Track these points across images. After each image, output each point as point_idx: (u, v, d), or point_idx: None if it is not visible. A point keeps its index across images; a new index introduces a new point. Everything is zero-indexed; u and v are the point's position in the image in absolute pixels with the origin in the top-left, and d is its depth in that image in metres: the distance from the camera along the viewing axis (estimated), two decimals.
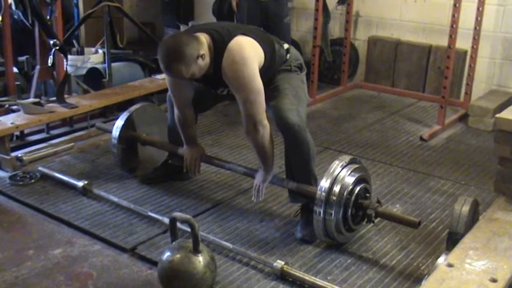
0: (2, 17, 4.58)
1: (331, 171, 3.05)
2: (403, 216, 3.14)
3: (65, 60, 4.62)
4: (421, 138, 4.85)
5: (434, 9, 5.77)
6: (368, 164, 4.10)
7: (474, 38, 5.29)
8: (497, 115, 3.13)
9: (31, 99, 4.47)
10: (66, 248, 3.11)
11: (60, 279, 2.85)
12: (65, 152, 4.32)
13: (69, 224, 3.36)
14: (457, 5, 4.78)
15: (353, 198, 3.04)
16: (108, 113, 4.96)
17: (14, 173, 3.93)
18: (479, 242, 2.66)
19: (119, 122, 3.84)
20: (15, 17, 4.80)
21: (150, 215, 3.41)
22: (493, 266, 2.46)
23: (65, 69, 4.65)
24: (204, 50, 3.01)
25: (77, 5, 6.32)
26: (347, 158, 3.15)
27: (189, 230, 2.66)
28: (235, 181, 3.92)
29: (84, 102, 4.61)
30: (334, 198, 2.99)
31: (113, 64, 5.37)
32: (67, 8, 5.80)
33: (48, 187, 3.78)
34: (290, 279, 2.86)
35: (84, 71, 5.50)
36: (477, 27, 5.26)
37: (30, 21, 4.59)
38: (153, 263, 2.94)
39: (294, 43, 5.66)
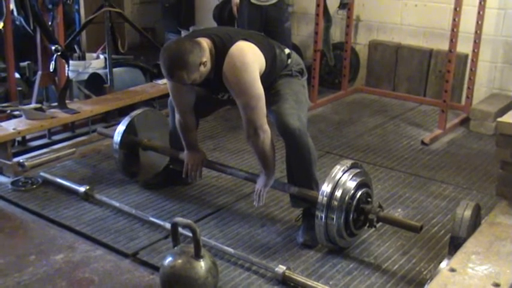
0: (4, 23, 4.59)
1: (332, 175, 3.05)
2: (405, 221, 3.13)
3: (66, 65, 4.63)
4: (423, 143, 4.84)
5: (435, 13, 5.77)
6: (369, 169, 4.10)
7: (475, 41, 5.29)
8: (499, 119, 3.13)
9: (33, 105, 4.48)
10: (67, 253, 3.11)
11: (62, 285, 2.85)
12: (66, 157, 4.32)
13: (70, 229, 3.36)
14: (458, 9, 4.79)
15: (355, 202, 3.04)
16: (110, 118, 4.96)
17: (16, 178, 3.93)
18: (482, 246, 2.66)
19: (120, 127, 3.84)
20: (17, 22, 4.80)
21: (151, 220, 3.41)
22: (496, 271, 2.45)
23: (66, 74, 4.65)
24: (206, 56, 3.02)
25: (78, 11, 6.32)
26: (348, 162, 3.15)
27: (190, 235, 2.66)
28: (236, 186, 3.92)
29: (86, 107, 4.62)
30: (336, 202, 2.99)
31: (114, 69, 5.37)
32: (68, 13, 5.80)
33: (50, 192, 3.78)
34: (292, 284, 2.86)
35: (85, 77, 5.51)
36: (478, 31, 5.26)
37: (31, 27, 4.59)
38: (155, 268, 2.94)
39: (294, 48, 5.67)
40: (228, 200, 3.76)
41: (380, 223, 3.14)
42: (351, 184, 3.04)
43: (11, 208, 3.61)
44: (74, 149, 4.41)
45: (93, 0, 6.18)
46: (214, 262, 2.71)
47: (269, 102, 3.15)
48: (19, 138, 4.35)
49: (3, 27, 4.61)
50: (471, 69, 5.41)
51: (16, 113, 4.49)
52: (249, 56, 3.03)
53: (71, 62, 4.93)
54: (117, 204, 3.60)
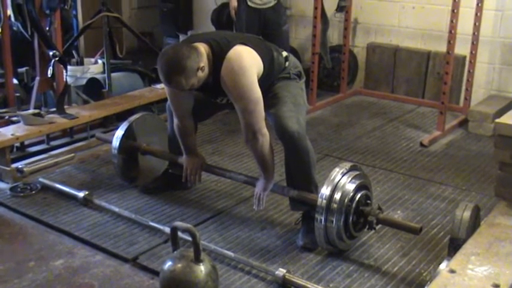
0: (2, 29, 4.59)
1: (331, 178, 3.05)
2: (404, 223, 3.14)
3: (64, 71, 4.64)
4: (421, 144, 4.85)
5: (433, 15, 5.78)
6: (368, 171, 4.10)
7: (473, 43, 5.30)
8: (497, 120, 3.13)
9: (31, 111, 4.47)
10: (67, 259, 3.10)
11: None
12: (65, 162, 4.31)
13: (70, 235, 3.35)
14: (455, 10, 4.79)
15: (354, 205, 3.04)
16: (108, 123, 4.97)
17: (15, 184, 3.92)
18: (481, 247, 2.66)
19: (119, 132, 3.84)
20: (15, 28, 4.80)
21: (151, 225, 3.40)
22: (495, 272, 2.46)
23: (64, 80, 4.66)
24: (204, 61, 3.02)
25: (76, 16, 6.34)
26: (347, 165, 3.15)
27: (190, 239, 2.66)
28: (235, 190, 3.91)
29: (84, 112, 4.62)
30: (335, 205, 2.98)
31: (113, 74, 5.38)
32: (66, 18, 5.81)
33: (49, 198, 3.78)
34: (292, 287, 2.86)
35: (83, 82, 5.51)
36: (475, 33, 5.27)
37: (29, 33, 4.60)
38: (155, 273, 2.93)
39: (292, 51, 5.67)
40: (227, 203, 3.76)
41: (379, 225, 3.14)
42: (350, 186, 3.04)
43: (10, 214, 3.61)
44: (72, 155, 4.40)
45: (91, 6, 6.21)
46: (214, 266, 2.70)
47: (267, 105, 3.15)
48: (17, 144, 4.35)
49: (0, 32, 4.62)
50: (469, 71, 5.41)
51: (14, 118, 4.49)
52: (246, 60, 3.04)
53: (69, 67, 4.94)
54: (116, 209, 3.59)
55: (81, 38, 6.32)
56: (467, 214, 2.84)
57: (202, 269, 2.61)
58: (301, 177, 3.25)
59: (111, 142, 3.88)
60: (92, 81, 5.46)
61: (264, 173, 3.23)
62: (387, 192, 3.95)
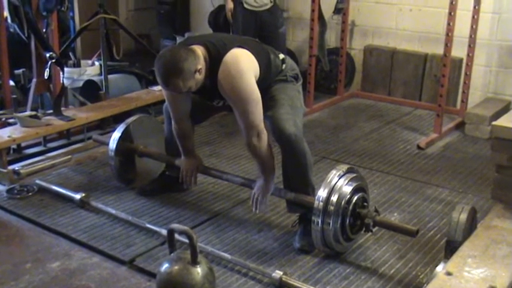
0: None
1: (328, 180, 3.05)
2: (401, 225, 3.14)
3: (61, 72, 4.62)
4: (418, 147, 4.85)
5: (430, 18, 5.79)
6: (365, 173, 4.10)
7: (470, 46, 5.31)
8: (494, 123, 3.14)
9: (28, 112, 4.47)
10: (64, 261, 3.10)
11: None
12: (62, 164, 4.31)
13: (66, 237, 3.35)
14: (452, 13, 4.80)
15: (351, 207, 3.04)
16: (105, 125, 4.96)
17: (11, 186, 3.92)
18: (478, 249, 2.66)
19: (116, 134, 3.84)
20: (11, 30, 4.80)
21: (148, 227, 3.40)
22: (492, 274, 2.46)
23: (61, 81, 4.65)
24: (201, 63, 3.02)
25: (73, 18, 6.33)
26: (344, 167, 3.16)
27: (187, 241, 2.65)
28: (233, 192, 3.91)
29: (81, 114, 4.61)
30: (332, 207, 2.99)
31: (110, 76, 5.37)
32: (63, 20, 5.80)
33: (46, 200, 3.77)
34: None
35: (80, 84, 5.50)
36: (472, 35, 5.27)
37: (26, 34, 4.60)
38: (152, 275, 2.93)
39: (289, 53, 5.68)
40: (224, 205, 3.76)
41: (376, 227, 3.14)
42: (347, 189, 3.04)
43: (6, 216, 3.60)
44: (69, 156, 4.40)
45: (87, 7, 6.19)
46: (211, 268, 2.70)
47: (264, 108, 3.15)
48: (14, 146, 4.34)
49: None
50: (466, 74, 5.42)
51: (11, 120, 4.48)
52: (243, 63, 3.04)
53: (66, 69, 4.94)
54: (113, 211, 3.59)
55: (78, 40, 6.30)
56: (463, 216, 2.84)
57: (199, 271, 2.60)
58: (298, 179, 3.25)
59: (108, 144, 3.88)
60: (89, 83, 5.45)
61: (264, 173, 3.22)
62: (384, 195, 3.96)
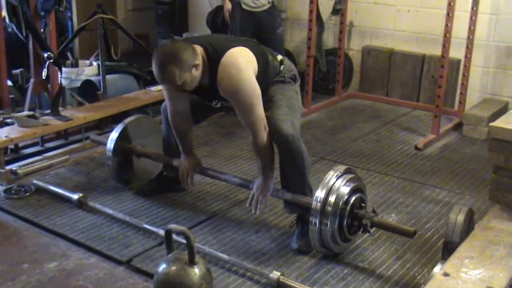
0: None
1: (326, 181, 3.05)
2: (398, 226, 3.14)
3: (59, 72, 4.62)
4: (416, 148, 4.85)
5: (428, 19, 5.79)
6: (363, 174, 4.11)
7: (467, 47, 5.32)
8: (491, 124, 3.14)
9: (25, 112, 4.47)
10: (61, 261, 3.09)
11: None
12: (59, 164, 4.31)
13: (64, 237, 3.34)
14: (450, 14, 4.81)
15: (348, 208, 3.04)
16: (103, 125, 4.96)
17: (9, 186, 3.91)
18: (475, 250, 2.67)
19: (114, 134, 3.84)
20: (9, 30, 4.79)
21: (145, 227, 3.40)
22: (489, 275, 2.46)
23: (59, 82, 4.65)
24: (199, 60, 3.02)
25: (71, 18, 6.33)
26: (342, 168, 3.16)
27: (184, 241, 2.65)
28: (230, 192, 3.91)
29: (79, 114, 4.61)
30: (330, 208, 2.99)
31: (108, 76, 5.37)
32: (61, 20, 5.81)
33: (43, 200, 3.77)
34: None
35: (78, 84, 5.51)
36: (470, 37, 5.28)
37: (24, 34, 4.59)
38: (149, 275, 2.93)
39: (287, 54, 5.68)
40: (222, 206, 3.75)
41: (374, 228, 3.14)
42: (345, 190, 3.04)
43: (3, 216, 3.59)
44: (67, 157, 4.40)
45: (85, 7, 6.20)
46: (208, 269, 2.70)
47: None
48: (12, 146, 4.34)
49: None
50: (464, 75, 5.43)
51: (9, 120, 4.47)
52: (242, 62, 3.04)
53: (63, 69, 4.93)
54: (110, 211, 3.58)
55: (76, 40, 6.31)
56: (461, 217, 2.84)
57: (196, 271, 2.60)
58: (295, 180, 3.25)
59: (105, 144, 3.88)
60: (87, 83, 5.45)
61: (263, 171, 3.22)
62: (382, 196, 3.96)
